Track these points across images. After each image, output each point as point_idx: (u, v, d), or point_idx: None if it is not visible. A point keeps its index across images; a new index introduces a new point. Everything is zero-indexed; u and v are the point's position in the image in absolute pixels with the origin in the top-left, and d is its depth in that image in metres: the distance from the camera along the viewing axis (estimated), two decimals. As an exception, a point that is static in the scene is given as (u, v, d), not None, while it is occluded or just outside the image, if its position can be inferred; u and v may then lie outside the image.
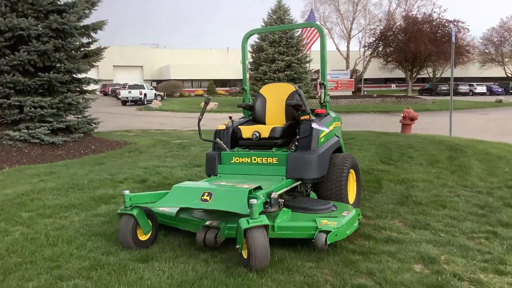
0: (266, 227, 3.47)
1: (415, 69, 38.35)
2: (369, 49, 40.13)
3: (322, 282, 3.31)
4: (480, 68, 58.35)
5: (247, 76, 5.87)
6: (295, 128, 5.00)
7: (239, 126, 5.04)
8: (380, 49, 38.07)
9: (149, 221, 4.18)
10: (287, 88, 5.35)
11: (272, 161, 4.60)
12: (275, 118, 5.24)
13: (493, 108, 28.59)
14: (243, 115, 5.75)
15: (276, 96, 5.33)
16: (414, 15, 37.10)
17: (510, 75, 60.08)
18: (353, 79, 33.44)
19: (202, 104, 5.47)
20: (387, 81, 65.01)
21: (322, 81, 5.16)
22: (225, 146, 4.88)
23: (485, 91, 49.42)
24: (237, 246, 3.56)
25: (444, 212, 4.97)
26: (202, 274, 3.46)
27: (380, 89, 58.24)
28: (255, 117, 5.42)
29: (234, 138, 5.08)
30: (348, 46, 52.38)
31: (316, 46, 31.10)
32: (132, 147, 11.64)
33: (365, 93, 41.20)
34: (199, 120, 5.02)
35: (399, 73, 59.22)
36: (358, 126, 15.85)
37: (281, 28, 6.27)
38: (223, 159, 4.83)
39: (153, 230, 4.23)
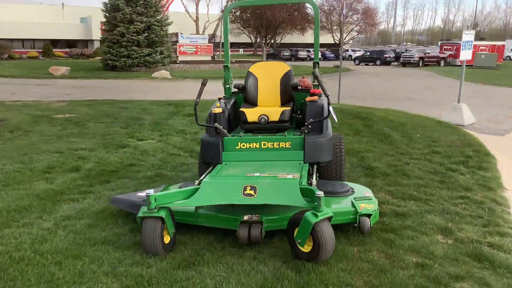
0: (330, 218, 3.43)
1: (269, 36, 40.09)
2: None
3: (389, 267, 3.42)
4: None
5: (229, 53, 5.45)
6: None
7: (242, 109, 4.72)
8: (238, 14, 38.54)
9: (172, 221, 3.74)
10: (281, 67, 5.17)
11: (285, 145, 4.45)
12: (268, 98, 5.03)
13: (336, 73, 31.71)
14: (225, 95, 5.35)
15: (269, 76, 5.11)
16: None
17: (337, 42, 67.19)
18: (211, 44, 33.35)
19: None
20: (232, 45, 66.53)
21: (316, 60, 5.11)
22: (225, 131, 4.53)
23: (320, 57, 54.58)
24: (298, 241, 3.45)
25: (412, 181, 5.52)
26: (271, 275, 3.28)
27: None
28: (246, 98, 5.12)
29: (229, 122, 4.74)
30: (197, 9, 51.79)
31: (174, 7, 29.99)
32: (8, 125, 9.86)
33: (215, 58, 41.60)
34: (196, 103, 4.52)
35: (245, 38, 61.24)
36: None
37: (269, 2, 5.89)
38: (226, 145, 4.48)
39: (175, 231, 3.80)
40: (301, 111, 4.91)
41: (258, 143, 4.46)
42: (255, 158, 4.44)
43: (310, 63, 46.72)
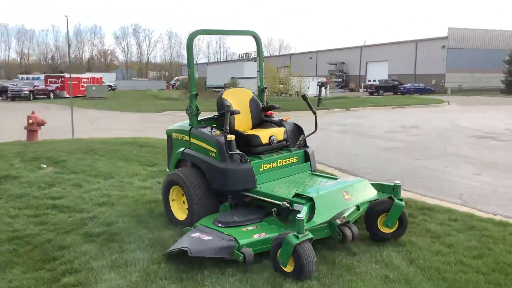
0: None
1: None
2: None
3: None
4: None
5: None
6: None
7: (256, 133, 4.74)
8: None
9: None
10: (246, 93, 5.35)
11: (293, 160, 4.87)
12: (243, 121, 5.10)
13: None
14: (191, 124, 4.88)
15: (239, 101, 5.17)
16: None
17: None
18: None
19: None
20: None
21: (264, 87, 5.51)
22: (246, 156, 4.48)
23: None
24: (388, 224, 4.30)
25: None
26: (402, 257, 4.02)
27: None
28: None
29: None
30: None
31: None
32: None
33: None
34: (226, 131, 4.40)
35: None
36: None
37: (221, 33, 5.19)
38: (255, 169, 4.49)
39: None
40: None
41: (275, 162, 4.73)
42: (276, 177, 4.69)
43: None
